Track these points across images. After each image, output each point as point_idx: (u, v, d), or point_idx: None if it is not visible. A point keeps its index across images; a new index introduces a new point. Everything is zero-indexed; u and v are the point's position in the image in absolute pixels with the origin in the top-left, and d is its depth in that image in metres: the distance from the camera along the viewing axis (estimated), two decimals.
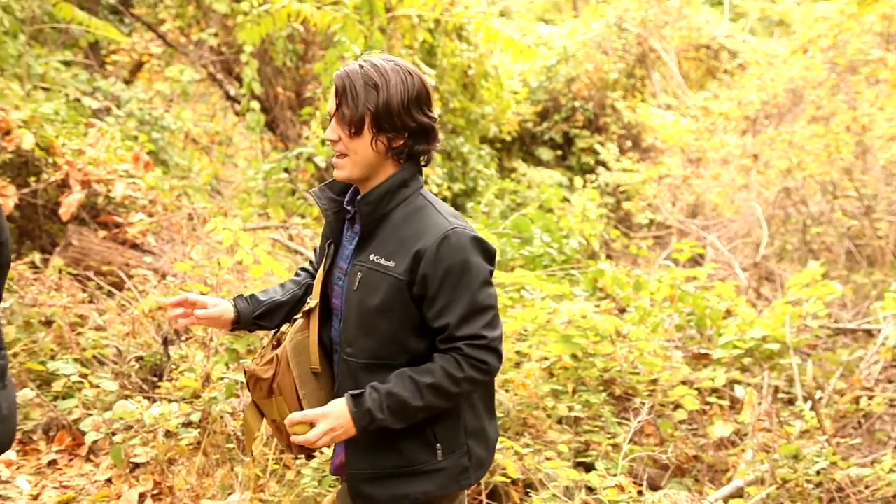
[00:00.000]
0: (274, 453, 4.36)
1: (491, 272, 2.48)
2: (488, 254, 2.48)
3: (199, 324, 2.73)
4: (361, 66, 2.44)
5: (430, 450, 2.50)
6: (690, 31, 13.00)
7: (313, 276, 2.80)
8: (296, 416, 2.41)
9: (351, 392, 2.41)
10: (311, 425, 2.39)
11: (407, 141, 2.46)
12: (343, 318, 2.54)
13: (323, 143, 7.47)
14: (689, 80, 13.29)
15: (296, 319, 2.67)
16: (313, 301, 2.62)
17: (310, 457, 2.86)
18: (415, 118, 2.45)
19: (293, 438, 2.40)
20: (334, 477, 2.77)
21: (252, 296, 2.76)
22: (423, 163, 2.56)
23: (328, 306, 2.63)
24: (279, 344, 2.66)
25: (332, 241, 2.61)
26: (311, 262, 2.89)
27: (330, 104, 2.48)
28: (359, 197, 2.50)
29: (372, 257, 2.46)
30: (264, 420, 2.73)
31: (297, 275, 2.87)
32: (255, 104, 9.23)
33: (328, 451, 3.61)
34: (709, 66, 13.45)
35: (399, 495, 2.52)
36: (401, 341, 2.47)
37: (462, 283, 2.40)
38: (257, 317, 2.74)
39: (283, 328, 2.73)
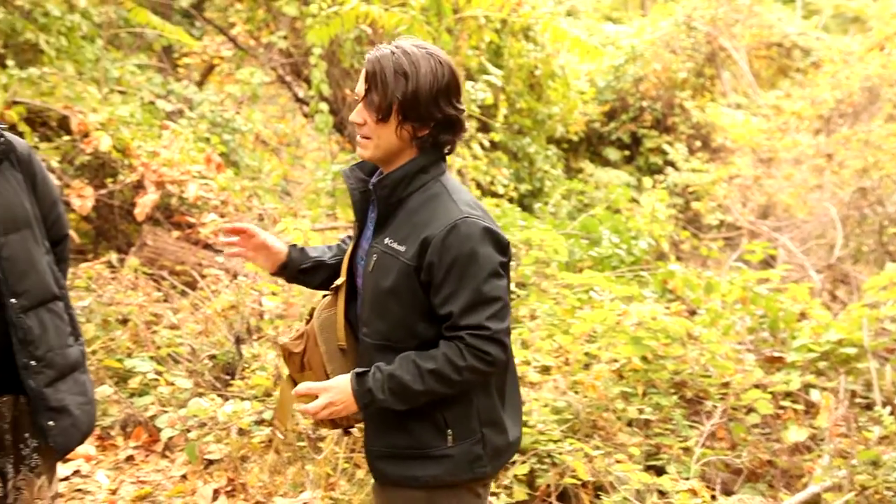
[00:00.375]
0: (344, 452, 4.39)
1: (502, 263, 2.45)
2: (500, 245, 2.45)
3: (248, 257, 2.75)
4: (393, 52, 2.43)
5: (441, 435, 2.50)
6: (762, 28, 12.79)
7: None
8: (302, 387, 2.47)
9: (356, 370, 2.45)
10: (316, 397, 2.45)
11: (432, 131, 2.46)
12: (362, 297, 2.57)
13: None
14: (760, 79, 13.08)
15: (325, 295, 2.69)
16: (340, 279, 2.63)
17: (346, 432, 2.89)
18: (442, 109, 2.44)
19: (296, 406, 2.48)
20: None
21: (303, 248, 2.78)
22: (446, 152, 2.55)
23: (354, 285, 2.64)
24: (310, 318, 2.69)
25: (357, 220, 2.62)
26: (349, 236, 2.89)
27: (358, 87, 2.47)
28: (374, 180, 2.52)
29: (387, 241, 2.47)
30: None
31: (343, 241, 2.88)
32: (324, 106, 9.31)
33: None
34: (780, 64, 13.21)
35: (408, 476, 2.52)
36: (410, 326, 2.48)
37: (468, 272, 2.38)
38: (302, 270, 2.75)
39: (315, 302, 2.75)
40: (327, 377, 2.58)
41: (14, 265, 2.80)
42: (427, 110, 2.42)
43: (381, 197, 2.49)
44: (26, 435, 2.91)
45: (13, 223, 2.82)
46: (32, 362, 2.82)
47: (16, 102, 7.10)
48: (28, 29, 8.39)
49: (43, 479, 2.97)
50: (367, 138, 2.46)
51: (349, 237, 2.87)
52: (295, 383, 2.70)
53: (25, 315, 2.81)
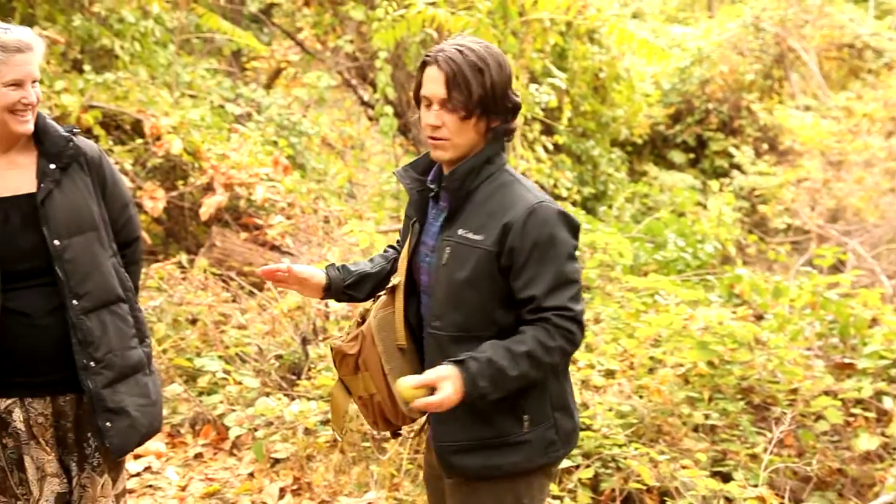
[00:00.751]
0: (409, 453, 4.41)
1: (575, 247, 2.51)
2: (573, 228, 2.50)
3: (289, 286, 2.78)
4: (461, 51, 2.47)
5: (518, 421, 2.52)
6: (832, 29, 12.53)
7: (397, 251, 2.85)
8: (410, 380, 2.41)
9: (451, 359, 2.41)
10: (432, 390, 2.38)
11: (501, 121, 2.53)
12: (431, 292, 2.58)
13: None
14: (830, 81, 12.82)
15: (380, 296, 2.70)
16: (398, 278, 2.65)
17: (396, 434, 2.91)
18: (511, 99, 2.52)
19: (416, 404, 2.38)
20: None
21: (343, 266, 2.80)
22: (507, 139, 2.60)
23: (412, 283, 2.66)
24: (364, 321, 2.69)
25: (416, 219, 2.65)
26: (397, 241, 2.92)
27: (431, 89, 2.49)
28: (446, 174, 2.55)
29: (460, 232, 2.50)
30: (351, 397, 2.76)
31: (385, 251, 2.91)
32: (388, 109, 9.35)
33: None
34: (851, 65, 12.93)
35: (490, 466, 2.53)
36: (489, 314, 2.49)
37: (548, 255, 2.43)
38: (347, 286, 2.77)
39: (368, 304, 2.75)
40: (385, 377, 2.60)
41: (76, 267, 2.84)
42: (502, 102, 2.49)
43: (451, 190, 2.53)
44: (89, 434, 2.94)
45: (78, 226, 2.87)
46: (91, 363, 2.85)
47: (92, 106, 7.25)
48: (104, 35, 8.56)
49: (106, 478, 3.00)
50: (445, 140, 2.49)
51: (389, 247, 2.92)
52: (346, 388, 2.74)
53: (86, 316, 2.85)
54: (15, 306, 2.80)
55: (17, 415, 2.88)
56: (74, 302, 2.83)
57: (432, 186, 2.62)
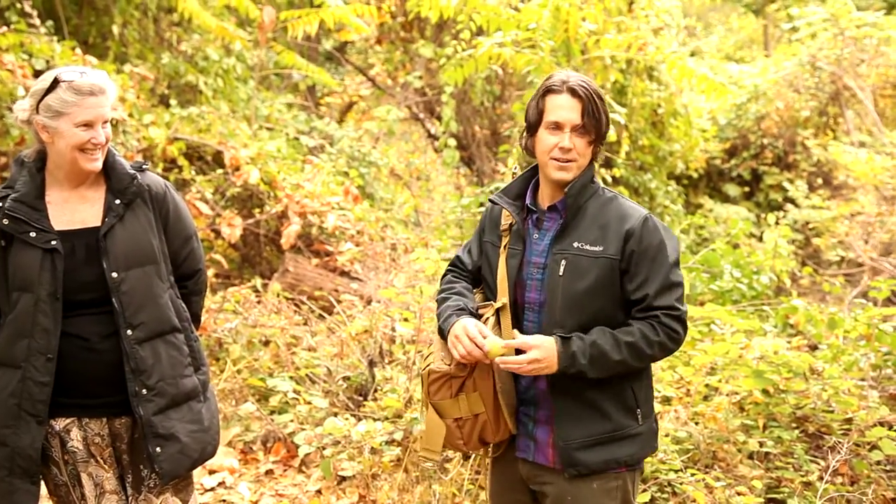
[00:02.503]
0: (470, 473, 4.37)
1: (679, 255, 2.67)
2: (676, 240, 2.68)
3: None
4: (584, 83, 2.64)
5: (633, 415, 2.67)
6: (888, 68, 12.27)
7: (466, 280, 2.91)
8: (500, 340, 2.58)
9: (560, 334, 2.57)
10: (518, 352, 2.56)
11: (600, 144, 2.71)
12: (546, 305, 2.66)
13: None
14: (885, 118, 12.54)
15: (487, 318, 2.73)
16: (503, 300, 2.72)
17: (466, 457, 2.95)
18: (609, 126, 2.70)
19: (500, 361, 2.55)
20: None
21: (470, 308, 2.78)
22: (596, 162, 2.76)
23: (514, 303, 2.73)
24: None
25: (520, 241, 2.73)
26: (455, 266, 2.97)
27: (564, 116, 2.62)
28: (566, 191, 2.66)
29: (576, 244, 2.64)
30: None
31: (454, 278, 2.93)
32: (452, 141, 9.38)
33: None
34: None
35: (610, 460, 2.65)
36: (611, 317, 2.63)
37: (659, 260, 2.61)
38: None
39: None
40: (495, 395, 2.68)
41: (132, 299, 2.87)
42: (607, 127, 2.69)
43: (568, 205, 2.66)
44: (145, 456, 2.95)
45: (137, 259, 2.90)
46: (144, 391, 2.87)
47: (177, 138, 7.40)
48: (190, 71, 8.75)
49: (162, 499, 3.00)
50: (573, 161, 2.64)
51: (453, 275, 2.93)
52: (438, 413, 2.75)
53: (140, 346, 2.87)
54: (74, 331, 2.85)
55: (75, 434, 2.91)
56: (129, 332, 2.86)
57: (533, 208, 2.74)
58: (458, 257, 2.96)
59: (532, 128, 2.71)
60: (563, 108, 2.62)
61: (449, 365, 2.70)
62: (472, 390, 2.70)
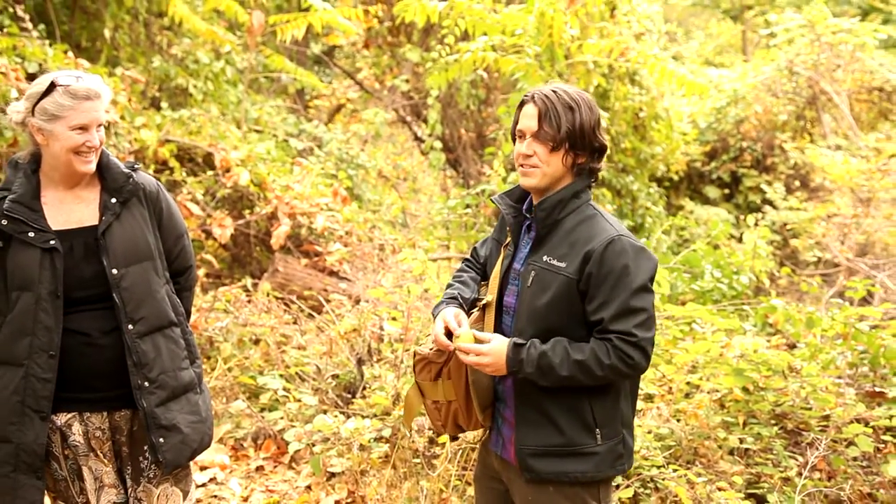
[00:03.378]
0: (457, 470, 4.37)
1: (650, 280, 2.58)
2: (650, 263, 2.58)
3: None
4: (555, 92, 2.64)
5: (591, 434, 2.62)
6: (863, 74, 12.34)
7: (476, 271, 2.96)
8: (470, 334, 2.61)
9: (515, 340, 2.58)
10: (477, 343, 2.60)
11: (587, 159, 2.65)
12: (515, 312, 2.69)
13: (504, 179, 7.50)
14: (861, 122, 12.61)
15: (471, 313, 2.78)
16: (490, 296, 2.75)
17: (454, 438, 2.98)
18: (598, 140, 2.65)
19: (460, 345, 2.59)
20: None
21: (464, 298, 2.84)
22: (593, 179, 2.71)
23: (500, 303, 2.76)
24: (450, 334, 2.72)
25: (511, 242, 2.77)
26: (471, 257, 3.02)
27: (526, 123, 2.64)
28: (535, 203, 2.67)
29: (545, 258, 2.63)
30: (423, 400, 2.87)
31: (465, 267, 3.00)
32: (438, 144, 9.38)
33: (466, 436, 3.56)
34: (881, 108, 12.72)
35: (560, 472, 2.63)
36: (567, 332, 2.59)
37: (620, 284, 2.52)
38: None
39: None
40: (467, 386, 2.73)
41: (132, 294, 2.88)
42: (589, 140, 2.63)
43: (539, 218, 2.65)
44: (144, 448, 2.97)
45: (135, 256, 2.92)
46: (145, 383, 2.89)
47: (168, 140, 7.37)
48: (180, 74, 8.71)
49: (162, 489, 3.01)
50: (535, 167, 2.64)
51: (467, 264, 2.99)
52: (421, 392, 2.84)
53: (141, 340, 2.89)
54: (75, 327, 2.86)
55: (77, 428, 2.92)
56: (130, 326, 2.87)
57: (527, 215, 2.75)
58: (475, 248, 3.03)
59: (514, 140, 2.74)
60: (525, 117, 2.66)
61: (430, 350, 2.77)
62: (447, 378, 2.75)
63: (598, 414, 2.62)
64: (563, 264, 2.58)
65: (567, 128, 2.59)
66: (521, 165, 2.66)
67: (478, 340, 2.62)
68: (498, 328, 2.74)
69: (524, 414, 2.66)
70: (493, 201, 2.83)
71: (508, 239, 2.80)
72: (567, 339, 2.58)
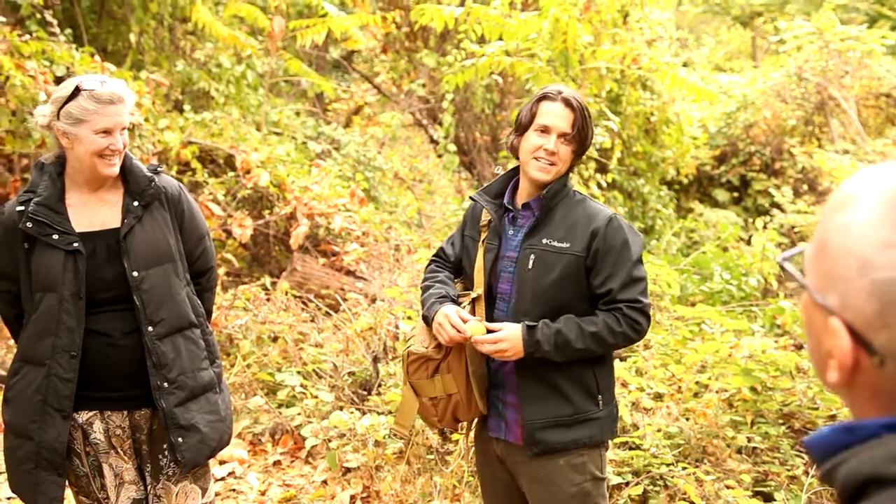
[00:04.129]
0: (470, 466, 4.36)
1: (642, 253, 2.74)
2: (639, 238, 2.75)
3: None
4: (577, 98, 2.76)
5: (594, 400, 2.74)
6: (871, 80, 12.26)
7: (448, 269, 2.99)
8: (481, 325, 2.67)
9: (527, 323, 2.65)
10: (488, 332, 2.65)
11: (580, 157, 2.81)
12: (515, 295, 2.74)
13: None
14: (868, 128, 12.52)
15: (464, 307, 2.80)
16: (478, 291, 2.80)
17: (452, 431, 3.01)
18: (591, 142, 2.81)
19: (476, 338, 2.64)
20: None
21: (452, 296, 2.86)
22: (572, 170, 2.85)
23: (490, 293, 2.81)
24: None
25: (497, 237, 2.81)
26: (438, 257, 3.05)
27: (554, 122, 2.71)
28: (543, 192, 2.75)
29: (545, 241, 2.71)
30: (419, 399, 2.89)
31: (436, 268, 3.01)
32: (452, 146, 9.37)
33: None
34: (888, 113, 12.63)
35: (569, 441, 2.72)
36: (573, 308, 2.69)
37: (622, 257, 2.67)
38: None
39: None
40: (467, 377, 2.77)
41: (153, 296, 2.87)
42: (590, 141, 2.81)
43: (543, 205, 2.74)
44: (164, 446, 2.95)
45: (156, 258, 2.90)
46: (165, 384, 2.87)
47: (190, 142, 7.38)
48: (203, 78, 8.73)
49: (181, 486, 3.00)
50: (554, 165, 2.73)
51: (436, 265, 3.02)
52: (414, 391, 2.86)
53: (161, 341, 2.87)
54: (96, 328, 2.85)
55: (98, 426, 2.91)
56: (150, 328, 2.86)
57: (509, 206, 2.82)
58: (441, 248, 3.05)
59: (522, 128, 2.79)
60: (555, 115, 2.71)
61: (427, 348, 2.79)
62: (446, 372, 2.78)
63: (600, 381, 2.75)
64: (565, 244, 2.69)
65: (590, 138, 2.78)
66: (539, 159, 2.72)
67: (489, 330, 2.67)
68: (490, 318, 2.78)
69: (529, 391, 2.73)
70: (473, 199, 2.91)
71: (484, 234, 2.85)
72: (574, 314, 2.67)
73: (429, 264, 3.05)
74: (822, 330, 1.00)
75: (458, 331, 2.68)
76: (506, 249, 2.80)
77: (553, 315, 2.67)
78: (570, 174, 2.82)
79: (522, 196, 2.83)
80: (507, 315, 2.75)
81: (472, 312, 2.78)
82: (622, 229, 2.70)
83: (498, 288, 2.79)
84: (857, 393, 0.99)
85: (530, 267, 2.70)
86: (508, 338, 2.63)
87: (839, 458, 0.96)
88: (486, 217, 2.88)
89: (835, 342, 0.97)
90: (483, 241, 2.84)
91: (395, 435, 4.31)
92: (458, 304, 2.82)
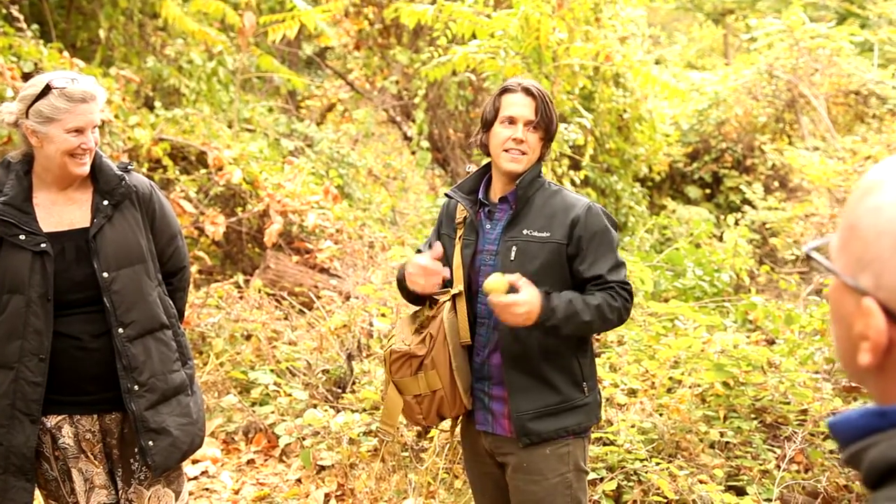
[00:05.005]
0: (444, 463, 4.36)
1: (619, 238, 2.83)
2: (615, 224, 2.82)
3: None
4: (537, 87, 2.80)
5: (579, 388, 2.79)
6: (840, 77, 12.39)
7: None
8: (500, 278, 2.60)
9: (544, 289, 2.65)
10: (510, 291, 2.61)
11: (549, 144, 2.84)
12: None
13: None
14: (838, 125, 12.64)
15: (444, 302, 2.83)
16: (458, 287, 2.81)
17: (426, 430, 3.01)
18: (557, 127, 2.86)
19: (494, 297, 2.58)
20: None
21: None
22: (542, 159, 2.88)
23: (469, 288, 2.83)
24: (423, 327, 2.84)
25: (473, 232, 2.84)
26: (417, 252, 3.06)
27: (519, 111, 2.76)
28: (517, 183, 2.78)
29: (525, 232, 2.76)
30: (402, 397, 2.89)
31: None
32: (424, 143, 9.36)
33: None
34: (857, 111, 12.77)
35: (560, 428, 2.76)
36: None
37: (605, 242, 2.74)
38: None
39: (428, 312, 2.88)
40: (451, 371, 2.77)
41: (123, 297, 2.83)
42: (555, 127, 2.84)
43: (518, 196, 2.77)
44: (135, 450, 2.91)
45: (126, 259, 2.86)
46: (135, 387, 2.83)
47: (161, 139, 7.32)
48: (173, 75, 8.66)
49: (153, 491, 2.96)
50: (525, 154, 2.77)
51: None
52: (398, 390, 2.85)
53: (131, 343, 2.83)
54: (66, 330, 2.80)
55: (67, 430, 2.87)
56: (120, 330, 2.81)
57: (486, 202, 2.85)
58: (418, 251, 3.04)
59: (488, 124, 2.83)
60: (518, 105, 2.76)
61: (409, 345, 2.80)
62: (430, 368, 2.77)
63: (584, 369, 2.80)
64: (545, 234, 2.74)
65: (556, 122, 2.82)
66: (509, 150, 2.76)
67: (511, 286, 2.62)
68: (472, 313, 2.81)
69: (517, 383, 2.74)
70: (448, 196, 2.93)
71: (461, 231, 2.87)
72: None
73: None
74: (854, 313, 1.00)
75: (429, 272, 2.68)
76: (484, 243, 2.83)
77: None
78: (542, 163, 2.86)
79: (496, 191, 2.86)
80: (491, 309, 2.73)
81: (453, 308, 2.80)
82: (600, 216, 2.76)
83: (479, 282, 2.79)
84: (889, 376, 0.99)
85: (512, 258, 2.73)
86: (528, 301, 2.59)
87: (868, 441, 0.96)
88: (461, 214, 2.90)
89: (869, 321, 0.97)
90: (460, 237, 2.87)
91: (381, 435, 4.30)
92: (433, 303, 2.84)
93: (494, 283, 2.60)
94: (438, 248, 2.79)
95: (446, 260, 2.88)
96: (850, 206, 1.04)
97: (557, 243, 2.73)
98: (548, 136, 2.81)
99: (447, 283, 2.87)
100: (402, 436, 4.50)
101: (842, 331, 1.05)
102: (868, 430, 0.97)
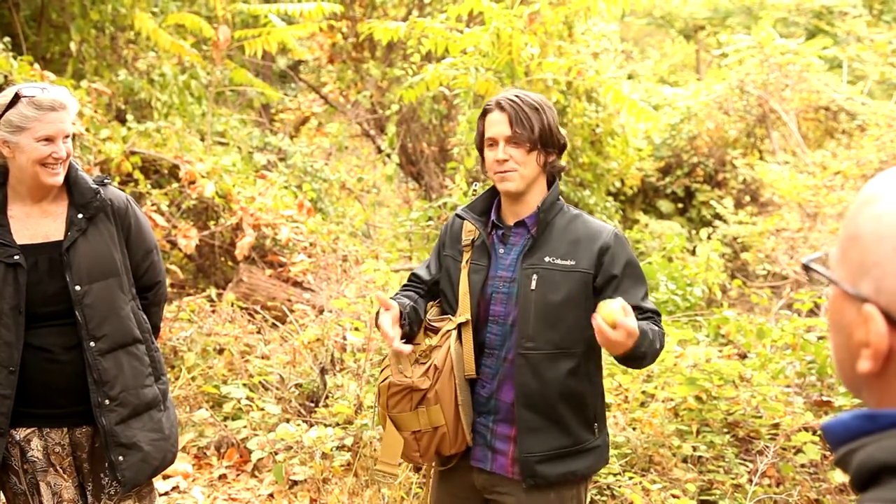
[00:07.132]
0: (418, 478, 4.35)
1: None
2: None
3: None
4: (517, 96, 2.63)
5: (590, 429, 2.64)
6: (810, 93, 12.55)
7: (418, 292, 2.81)
8: (617, 306, 2.31)
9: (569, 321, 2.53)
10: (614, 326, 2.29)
11: (555, 156, 2.65)
12: (517, 318, 2.59)
13: (465, 193, 7.50)
14: (808, 140, 12.81)
15: (449, 332, 2.63)
16: (465, 315, 2.63)
17: (417, 470, 2.89)
18: (561, 136, 2.65)
19: (609, 320, 2.27)
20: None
21: (415, 309, 2.71)
22: (559, 178, 2.72)
23: (477, 316, 2.65)
24: (424, 357, 2.62)
25: (485, 256, 2.67)
26: (410, 282, 2.87)
27: (496, 130, 2.61)
28: (538, 206, 2.63)
29: (547, 259, 2.58)
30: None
31: (404, 289, 2.84)
32: (395, 157, 9.39)
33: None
34: (827, 126, 12.95)
35: (568, 472, 2.60)
36: (582, 329, 2.53)
37: (636, 271, 2.61)
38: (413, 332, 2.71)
39: (434, 341, 2.65)
40: (456, 406, 2.57)
41: (95, 311, 2.81)
42: (556, 137, 2.63)
43: (539, 220, 2.62)
44: (106, 464, 2.89)
45: (100, 272, 2.84)
46: (106, 401, 2.81)
47: (133, 153, 7.28)
48: (144, 88, 8.62)
49: None
50: (513, 171, 2.60)
51: (412, 288, 2.83)
52: (395, 426, 2.64)
53: (102, 357, 2.81)
54: (37, 342, 2.78)
55: (36, 444, 2.85)
56: (91, 343, 2.79)
57: (499, 224, 2.69)
58: (414, 274, 2.87)
59: (481, 151, 2.69)
60: (495, 124, 2.62)
61: (411, 378, 2.59)
62: (433, 403, 2.57)
63: (597, 409, 2.67)
64: (570, 262, 2.57)
65: (539, 127, 2.58)
66: (497, 172, 2.61)
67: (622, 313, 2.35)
68: (481, 342, 2.64)
69: (528, 422, 2.57)
70: (459, 216, 2.74)
71: (468, 254, 2.70)
72: (581, 333, 2.54)
73: (402, 290, 2.85)
74: (854, 321, 1.01)
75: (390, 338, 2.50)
76: (496, 269, 2.65)
77: (561, 337, 2.55)
78: (558, 182, 2.69)
79: (508, 213, 2.70)
80: (502, 339, 2.61)
81: (459, 338, 2.63)
82: (627, 244, 2.64)
83: (491, 310, 2.64)
84: (887, 383, 1.00)
85: (533, 287, 2.56)
86: (633, 335, 2.31)
87: (857, 443, 0.98)
88: (467, 236, 2.73)
89: (870, 327, 0.98)
90: (467, 261, 2.69)
91: (380, 479, 4.14)
92: (419, 326, 2.67)
93: (615, 311, 2.30)
94: (396, 309, 2.56)
95: (450, 285, 2.72)
96: (849, 218, 1.05)
97: (583, 272, 2.56)
98: (542, 145, 2.60)
99: (447, 310, 2.71)
100: (374, 451, 4.48)
101: (841, 340, 1.06)
102: (858, 433, 0.98)
